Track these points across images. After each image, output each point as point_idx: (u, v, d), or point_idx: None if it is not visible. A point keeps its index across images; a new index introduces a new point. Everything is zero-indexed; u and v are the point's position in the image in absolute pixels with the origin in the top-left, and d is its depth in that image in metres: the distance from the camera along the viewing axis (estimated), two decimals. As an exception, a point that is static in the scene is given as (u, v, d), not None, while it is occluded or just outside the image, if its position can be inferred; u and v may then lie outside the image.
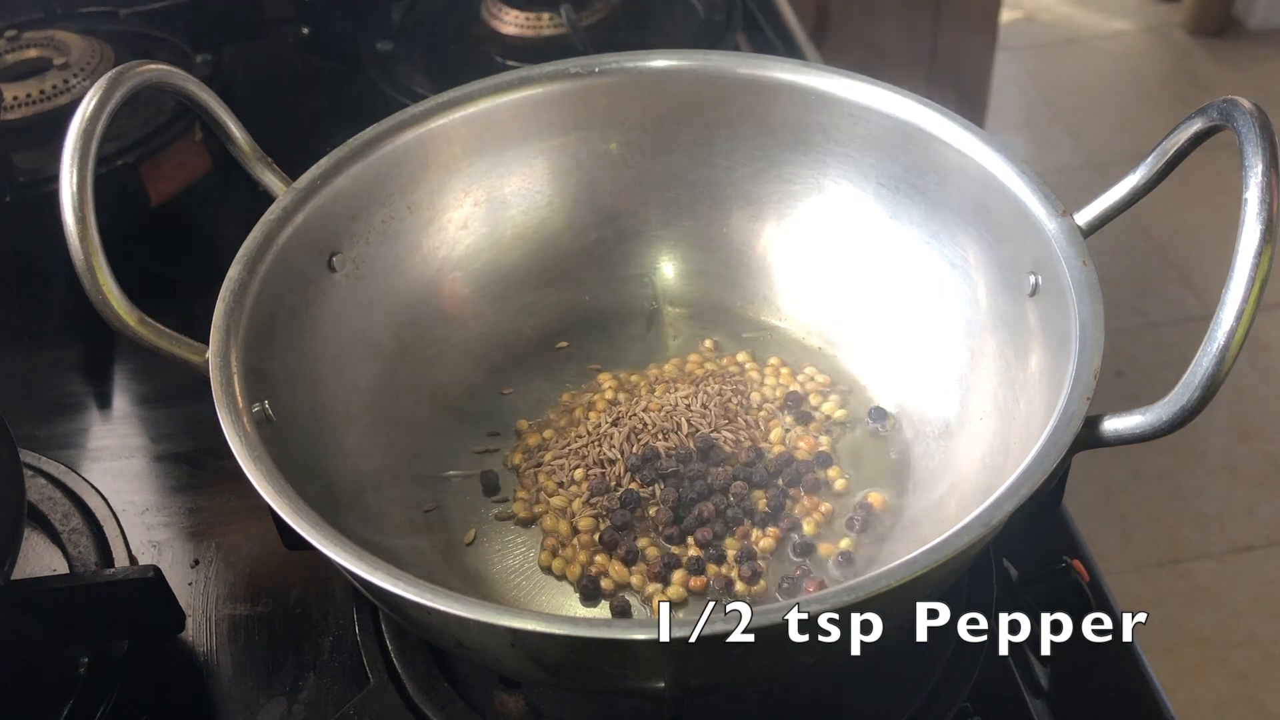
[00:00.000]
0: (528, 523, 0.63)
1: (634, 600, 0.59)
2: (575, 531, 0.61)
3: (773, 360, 0.70)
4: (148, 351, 0.53)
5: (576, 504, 0.63)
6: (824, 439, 0.65)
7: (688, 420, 0.65)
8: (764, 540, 0.60)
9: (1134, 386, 1.78)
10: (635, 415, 0.66)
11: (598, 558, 0.60)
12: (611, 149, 0.70)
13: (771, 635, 0.41)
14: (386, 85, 0.97)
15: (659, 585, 0.59)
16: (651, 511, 0.62)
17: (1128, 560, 1.59)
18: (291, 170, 0.61)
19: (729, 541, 0.60)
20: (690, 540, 0.60)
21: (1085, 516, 0.65)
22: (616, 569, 0.59)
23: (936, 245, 0.64)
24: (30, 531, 0.65)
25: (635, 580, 0.59)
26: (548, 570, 0.60)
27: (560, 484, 0.64)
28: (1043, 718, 0.57)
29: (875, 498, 0.62)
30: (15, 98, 0.86)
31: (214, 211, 0.88)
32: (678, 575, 0.59)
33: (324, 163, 0.62)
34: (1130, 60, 2.54)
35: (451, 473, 0.65)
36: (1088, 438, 0.47)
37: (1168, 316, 1.92)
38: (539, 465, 0.65)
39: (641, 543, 0.60)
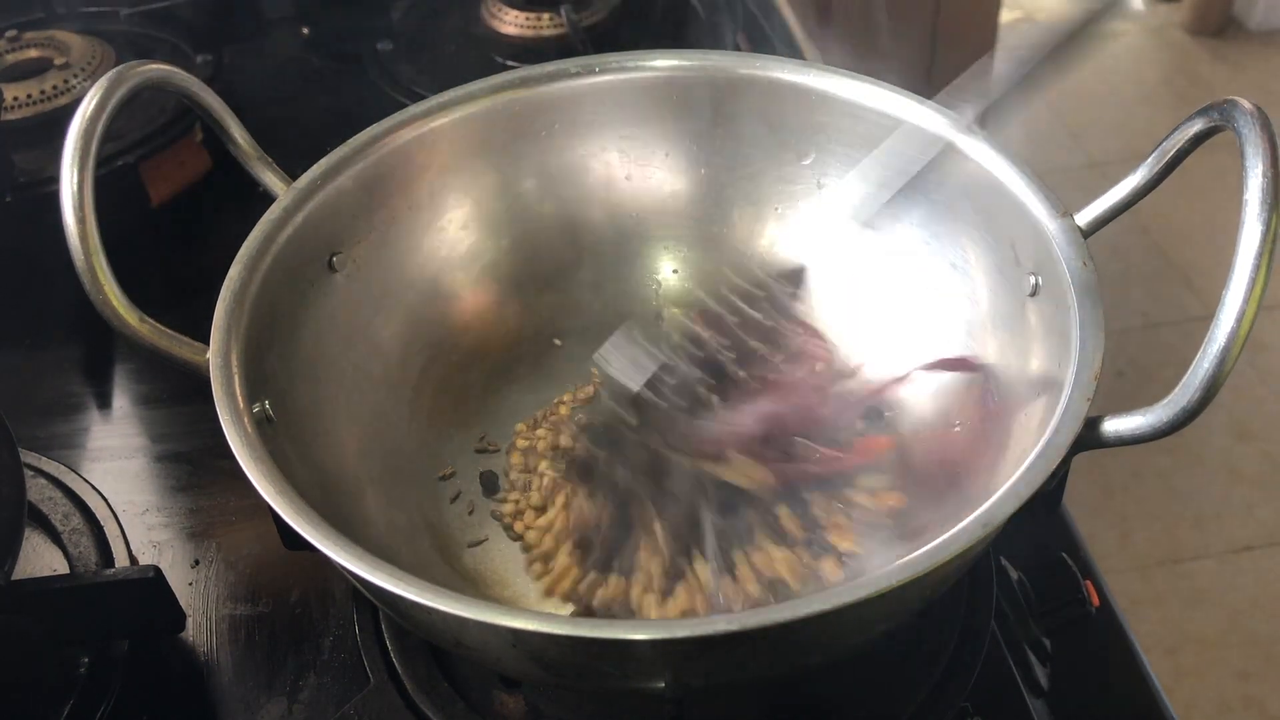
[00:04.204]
0: (515, 535, 0.62)
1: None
2: (562, 539, 0.61)
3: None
4: (148, 351, 0.53)
5: (563, 519, 0.61)
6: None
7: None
8: (778, 554, 0.58)
9: (1134, 387, 1.78)
10: (635, 416, 0.65)
11: (591, 574, 0.59)
12: (612, 149, 0.70)
13: (771, 635, 0.41)
14: (386, 85, 0.97)
15: (658, 596, 0.58)
16: (656, 526, 0.61)
17: (1128, 560, 1.59)
18: (292, 170, 0.61)
19: (739, 557, 0.59)
20: (696, 554, 0.59)
21: (1085, 516, 0.65)
22: (614, 582, 0.58)
23: (937, 246, 0.64)
24: (30, 531, 0.65)
25: (635, 592, 0.57)
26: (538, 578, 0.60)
27: (550, 494, 0.63)
28: (1043, 718, 0.57)
29: (893, 498, 0.61)
30: (15, 98, 0.86)
31: (214, 211, 0.88)
32: (681, 590, 0.57)
33: (324, 162, 0.62)
34: (1130, 60, 2.54)
35: (451, 472, 0.65)
36: (1088, 439, 0.47)
37: (1168, 316, 1.92)
38: (532, 471, 0.65)
39: (643, 554, 0.60)
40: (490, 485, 0.65)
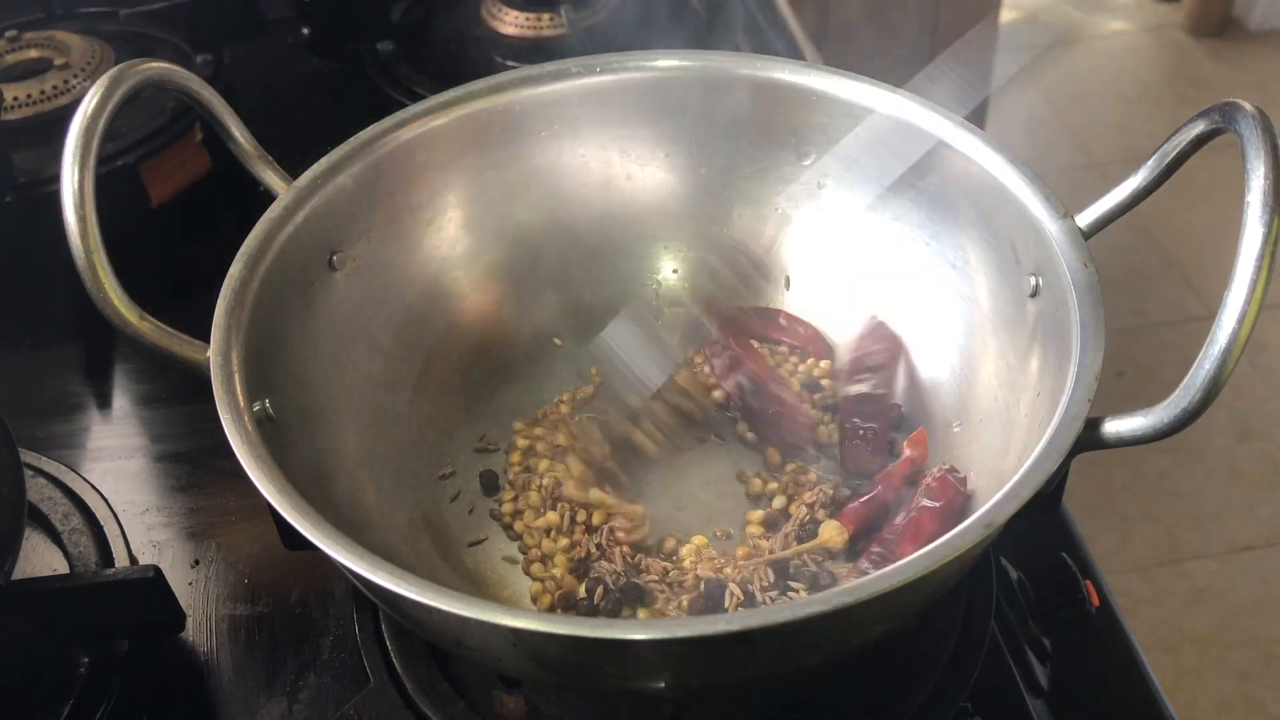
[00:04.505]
0: (514, 535, 0.63)
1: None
2: (557, 543, 0.61)
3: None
4: (148, 351, 0.53)
5: (556, 516, 0.62)
6: None
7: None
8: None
9: (1134, 387, 1.79)
10: (636, 415, 0.65)
11: (582, 586, 0.59)
12: (612, 149, 0.70)
13: (771, 636, 0.41)
14: (386, 85, 0.97)
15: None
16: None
17: (1128, 560, 1.60)
18: (292, 170, 0.61)
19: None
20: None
21: (1085, 516, 0.65)
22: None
23: (937, 246, 0.64)
24: (30, 531, 0.65)
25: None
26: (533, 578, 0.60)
27: (548, 492, 0.63)
28: (1043, 718, 0.57)
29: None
30: (15, 98, 0.86)
31: (214, 211, 0.88)
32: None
33: (324, 162, 0.62)
34: (1130, 60, 2.54)
35: (451, 471, 0.65)
36: (1089, 439, 0.47)
37: (1168, 316, 1.92)
38: (532, 471, 0.65)
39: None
40: (490, 485, 0.65)
